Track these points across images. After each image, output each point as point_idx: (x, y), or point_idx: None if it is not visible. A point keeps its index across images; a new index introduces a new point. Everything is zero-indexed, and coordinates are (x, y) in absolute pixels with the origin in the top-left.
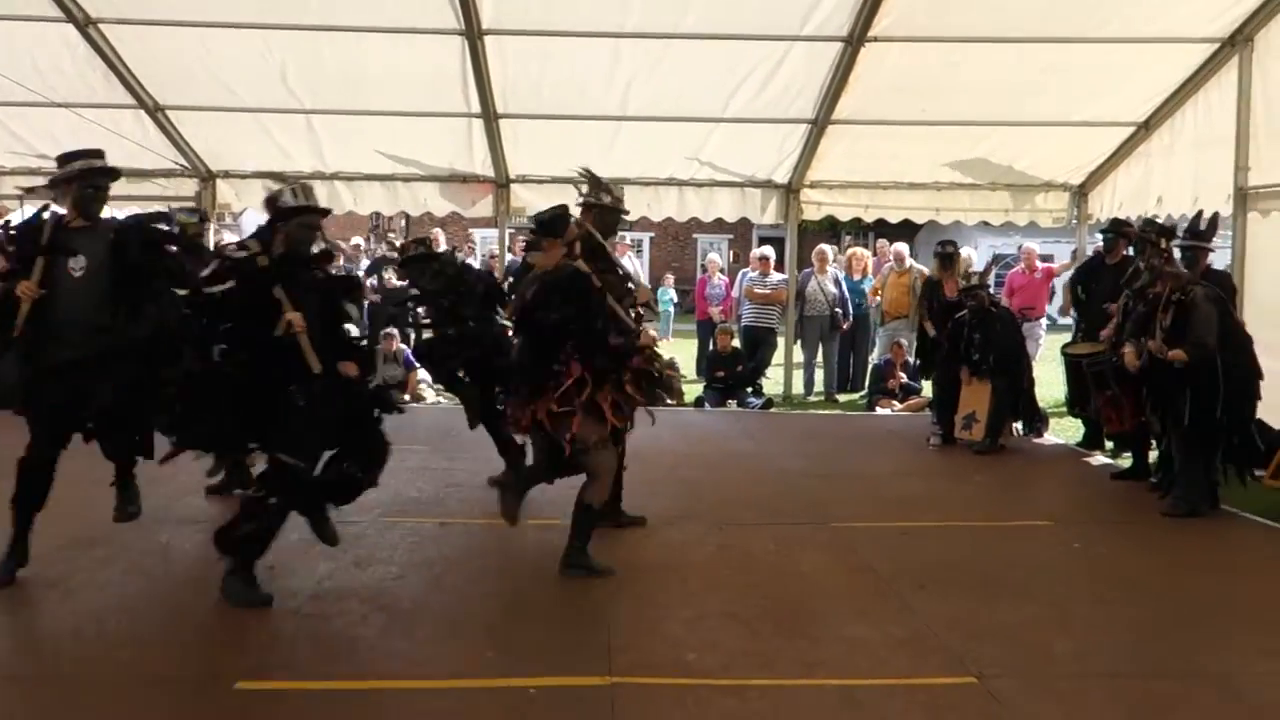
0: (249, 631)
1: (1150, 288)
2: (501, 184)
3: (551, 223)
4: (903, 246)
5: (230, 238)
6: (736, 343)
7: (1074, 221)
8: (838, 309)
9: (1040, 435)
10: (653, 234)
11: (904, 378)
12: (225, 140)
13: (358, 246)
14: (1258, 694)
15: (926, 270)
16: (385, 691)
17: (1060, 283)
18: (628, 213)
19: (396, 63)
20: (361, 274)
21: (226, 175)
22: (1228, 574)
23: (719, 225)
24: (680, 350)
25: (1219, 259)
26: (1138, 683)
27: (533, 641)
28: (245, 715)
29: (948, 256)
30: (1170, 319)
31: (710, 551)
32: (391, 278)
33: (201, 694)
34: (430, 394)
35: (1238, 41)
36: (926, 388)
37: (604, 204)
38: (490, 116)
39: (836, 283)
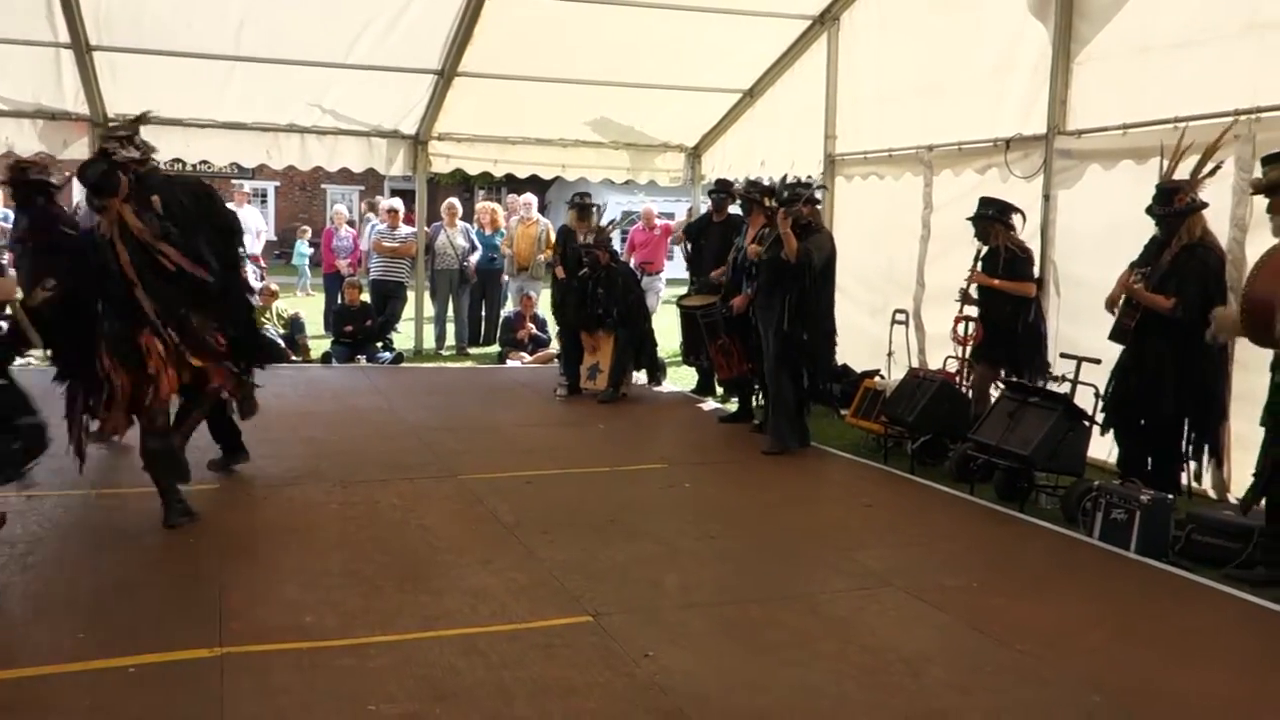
0: None
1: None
2: (99, 123)
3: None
4: (531, 197)
5: None
6: (365, 296)
7: (689, 181)
8: (467, 262)
9: (659, 383)
10: (278, 183)
11: (533, 329)
12: None
13: None
14: (833, 608)
15: (551, 225)
16: None
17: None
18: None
19: None
20: None
21: None
22: (814, 504)
23: (349, 176)
24: (306, 305)
25: None
26: (735, 608)
27: (133, 618)
28: None
29: (585, 208)
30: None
31: (333, 510)
32: None
33: None
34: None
35: (826, 20)
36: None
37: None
38: (83, 48)
39: (466, 236)
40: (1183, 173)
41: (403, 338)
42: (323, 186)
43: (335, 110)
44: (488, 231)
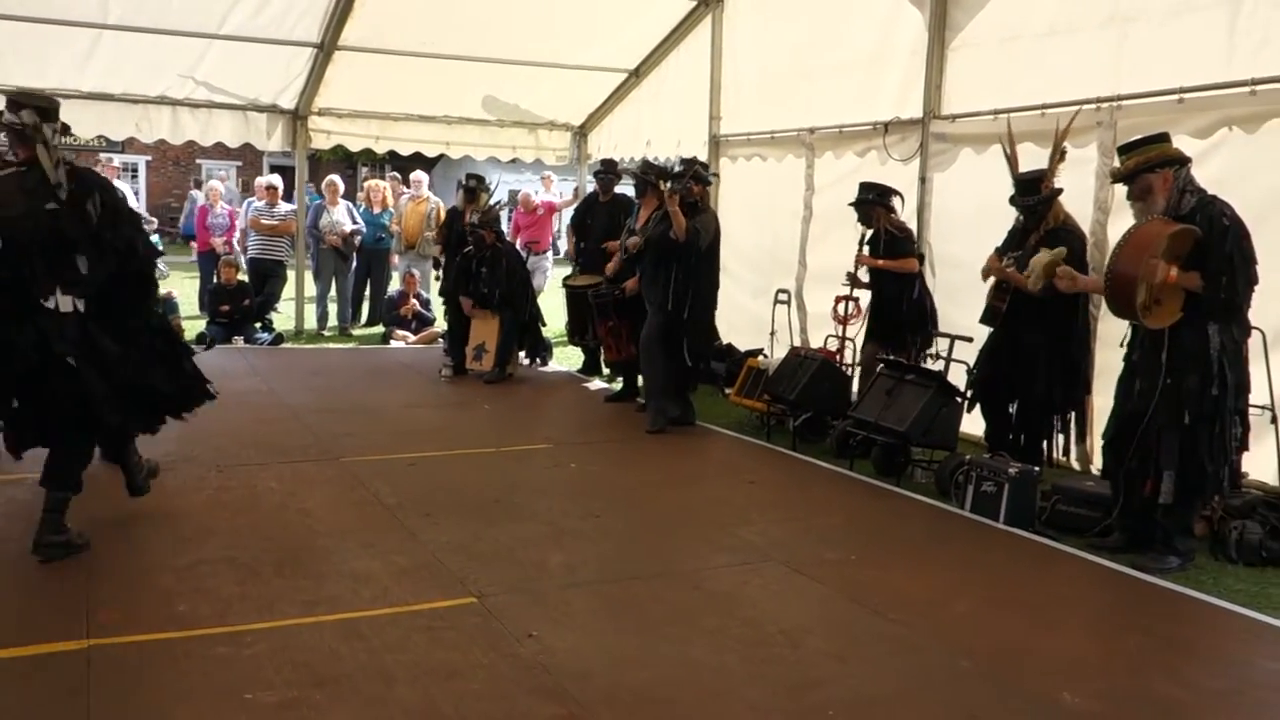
0: None
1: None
2: None
3: None
4: (422, 175)
5: None
6: (243, 276)
7: (575, 160)
8: (352, 241)
9: (545, 364)
10: (149, 157)
11: (417, 306)
12: None
13: None
14: (715, 583)
15: (442, 203)
16: None
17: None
18: None
19: None
20: None
21: None
22: (698, 482)
23: (226, 151)
24: (180, 284)
25: None
26: (618, 586)
27: None
28: None
29: (472, 190)
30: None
31: (208, 495)
32: None
33: None
34: None
35: (711, 1)
36: (441, 319)
37: None
38: None
39: (349, 214)
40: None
41: (283, 318)
42: (198, 161)
43: (209, 82)
44: (376, 210)
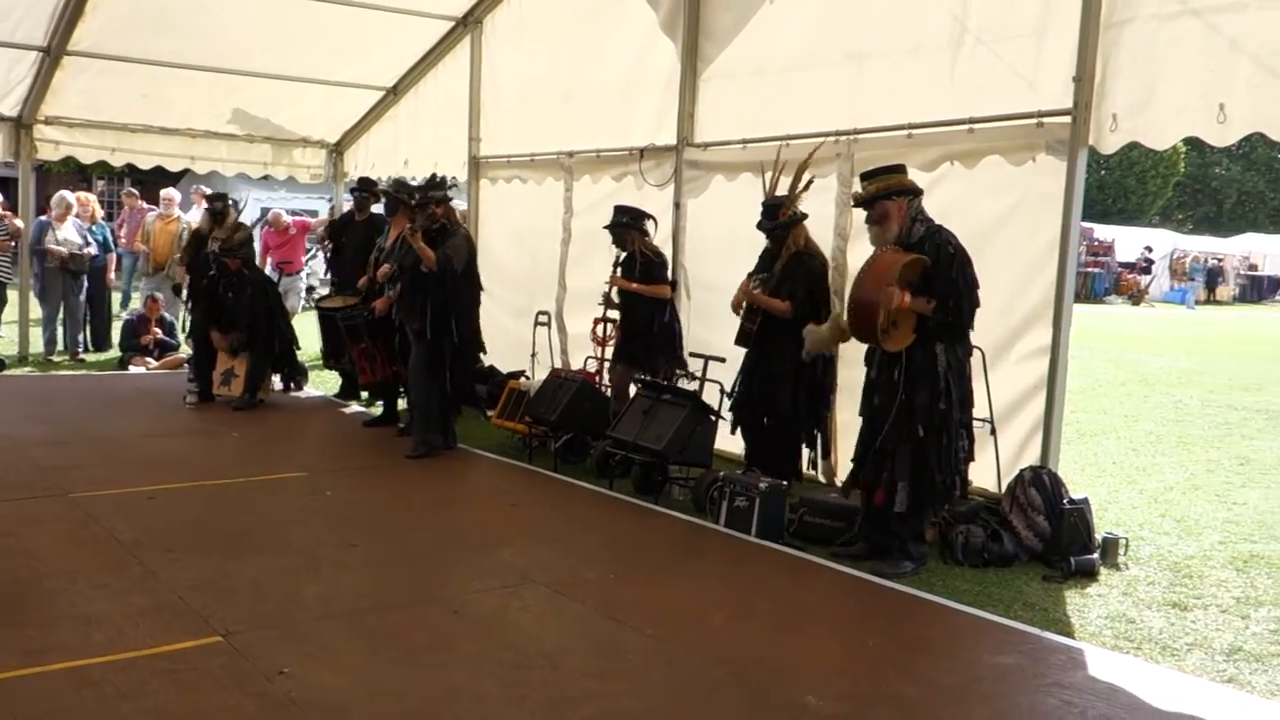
0: None
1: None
2: None
3: None
4: (174, 192)
5: None
6: None
7: (331, 179)
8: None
9: (300, 388)
10: None
11: (159, 333)
12: None
13: None
14: (476, 608)
15: (193, 223)
16: None
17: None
18: None
19: None
20: None
21: None
22: (459, 506)
23: None
24: None
25: None
26: (375, 616)
27: None
28: None
29: (217, 213)
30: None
31: None
32: None
33: None
34: None
35: (469, 22)
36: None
37: None
38: None
39: (80, 231)
40: (785, 187)
41: (5, 343)
42: None
43: None
44: (88, 225)
